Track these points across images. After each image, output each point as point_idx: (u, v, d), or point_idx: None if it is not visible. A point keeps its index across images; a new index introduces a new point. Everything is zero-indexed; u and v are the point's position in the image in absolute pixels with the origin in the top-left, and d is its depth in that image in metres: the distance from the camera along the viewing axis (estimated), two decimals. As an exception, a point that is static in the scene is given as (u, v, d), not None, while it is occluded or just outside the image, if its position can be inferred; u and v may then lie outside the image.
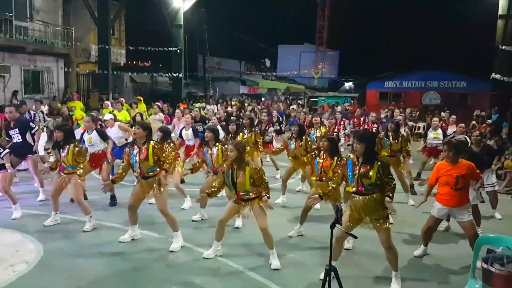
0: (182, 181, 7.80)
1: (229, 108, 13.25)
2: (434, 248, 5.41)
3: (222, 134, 8.11)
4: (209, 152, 6.16)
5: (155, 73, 27.54)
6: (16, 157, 6.97)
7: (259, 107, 19.66)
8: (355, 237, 3.93)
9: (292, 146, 7.34)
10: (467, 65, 31.19)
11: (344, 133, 11.95)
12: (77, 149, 5.88)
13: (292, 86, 45.90)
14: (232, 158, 4.76)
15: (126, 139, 7.94)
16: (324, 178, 5.59)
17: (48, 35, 18.19)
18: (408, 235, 6.00)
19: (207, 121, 10.28)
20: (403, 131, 9.32)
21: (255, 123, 9.78)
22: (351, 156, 4.42)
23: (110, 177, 6.46)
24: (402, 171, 7.58)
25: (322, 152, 5.69)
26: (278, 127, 12.48)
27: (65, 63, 19.64)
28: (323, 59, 44.24)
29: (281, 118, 15.23)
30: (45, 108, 14.70)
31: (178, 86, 24.54)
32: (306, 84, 47.17)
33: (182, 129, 8.58)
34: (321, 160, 5.64)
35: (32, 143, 7.32)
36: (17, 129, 7.24)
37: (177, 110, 10.52)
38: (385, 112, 18.00)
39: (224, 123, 10.38)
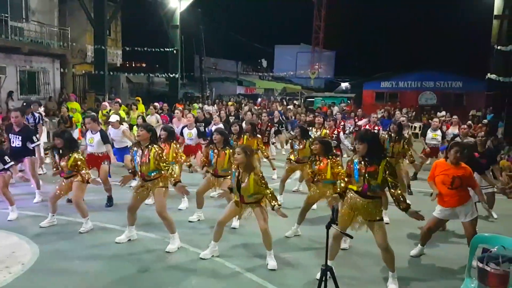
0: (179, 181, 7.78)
1: (222, 112, 13.09)
2: (431, 248, 5.42)
3: None
4: (215, 154, 6.12)
5: (152, 73, 27.47)
6: (13, 159, 6.92)
7: (255, 107, 19.66)
8: (351, 237, 3.94)
9: (296, 146, 7.35)
10: (463, 66, 31.35)
11: (345, 134, 11.88)
12: (79, 162, 5.77)
13: (289, 86, 45.98)
14: (239, 162, 4.75)
15: (127, 146, 7.96)
16: (320, 180, 5.61)
17: (44, 35, 18.15)
18: (406, 235, 6.01)
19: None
20: (406, 133, 9.05)
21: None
22: (356, 158, 4.40)
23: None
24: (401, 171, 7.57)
25: (317, 155, 5.69)
26: (279, 128, 12.45)
27: (61, 64, 19.59)
28: (320, 59, 44.37)
29: (282, 119, 15.18)
30: (41, 109, 14.60)
31: (174, 86, 24.55)
32: (302, 84, 47.28)
33: (183, 128, 8.67)
34: (318, 162, 5.64)
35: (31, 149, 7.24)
36: (20, 136, 7.12)
37: (176, 111, 10.53)
38: (382, 113, 18.02)
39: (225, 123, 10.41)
